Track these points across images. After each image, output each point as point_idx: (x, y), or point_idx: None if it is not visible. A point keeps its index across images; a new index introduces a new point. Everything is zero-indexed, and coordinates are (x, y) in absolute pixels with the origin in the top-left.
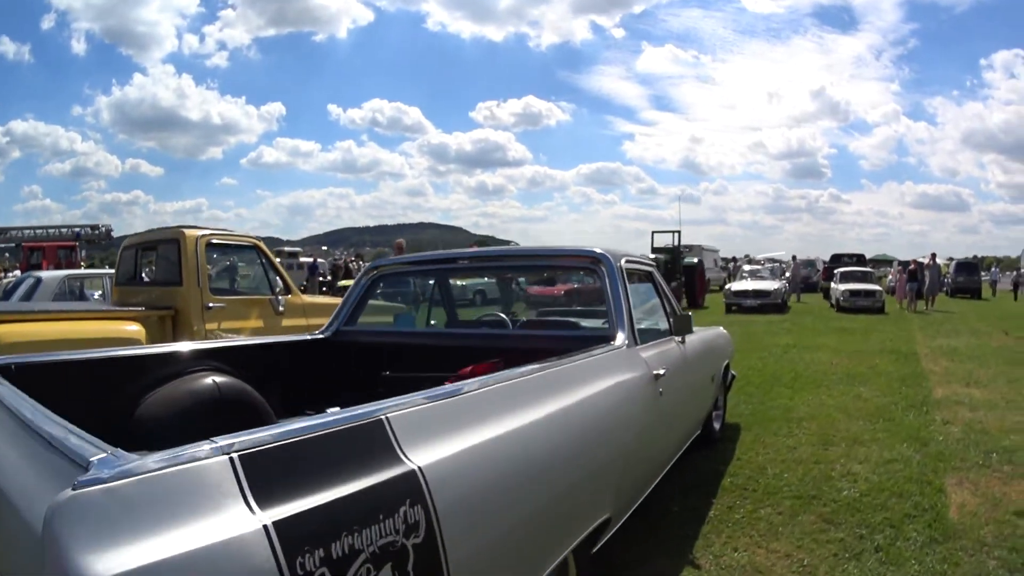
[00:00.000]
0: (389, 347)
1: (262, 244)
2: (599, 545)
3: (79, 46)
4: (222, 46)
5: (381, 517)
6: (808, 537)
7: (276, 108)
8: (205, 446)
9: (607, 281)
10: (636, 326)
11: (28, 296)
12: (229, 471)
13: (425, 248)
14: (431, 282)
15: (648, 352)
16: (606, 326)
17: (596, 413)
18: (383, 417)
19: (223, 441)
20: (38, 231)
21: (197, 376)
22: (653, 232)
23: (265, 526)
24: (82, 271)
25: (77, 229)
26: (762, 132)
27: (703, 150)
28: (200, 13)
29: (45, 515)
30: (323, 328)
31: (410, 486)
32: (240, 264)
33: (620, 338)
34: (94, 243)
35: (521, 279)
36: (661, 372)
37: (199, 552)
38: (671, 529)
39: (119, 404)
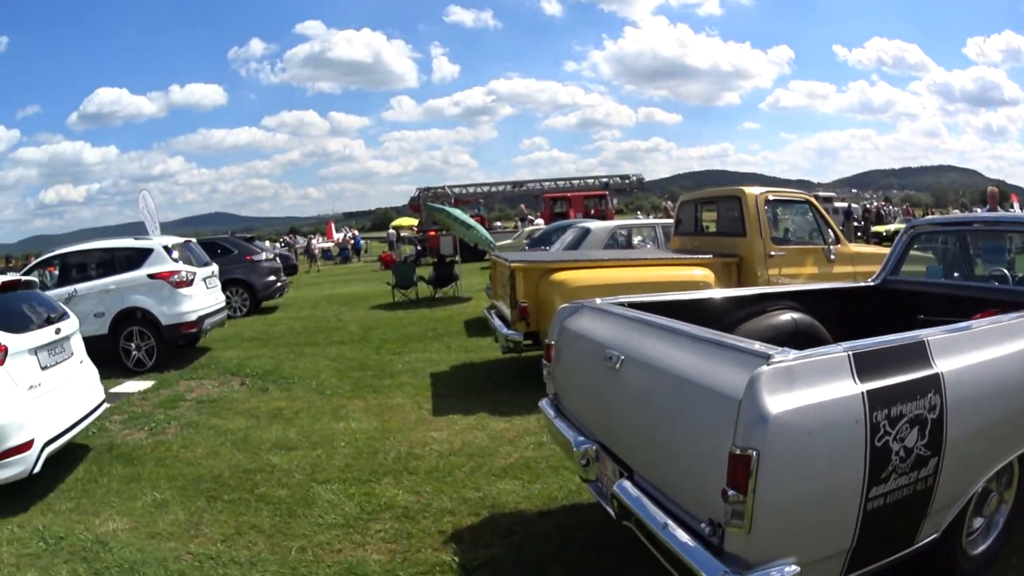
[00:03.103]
0: (924, 295)
1: (814, 199)
2: None
3: (552, 7)
4: None
5: (918, 397)
6: None
7: (783, 52)
8: (835, 346)
9: None
10: None
11: (576, 245)
12: (846, 360)
13: (947, 193)
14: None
15: None
16: None
17: None
18: (925, 339)
19: (845, 344)
20: (559, 183)
21: (777, 312)
22: None
23: (862, 392)
24: (629, 221)
25: (605, 179)
26: None
27: None
28: None
29: (748, 381)
30: (873, 277)
31: (935, 381)
32: (795, 217)
33: None
34: (624, 191)
35: None
36: None
37: (829, 401)
38: None
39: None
